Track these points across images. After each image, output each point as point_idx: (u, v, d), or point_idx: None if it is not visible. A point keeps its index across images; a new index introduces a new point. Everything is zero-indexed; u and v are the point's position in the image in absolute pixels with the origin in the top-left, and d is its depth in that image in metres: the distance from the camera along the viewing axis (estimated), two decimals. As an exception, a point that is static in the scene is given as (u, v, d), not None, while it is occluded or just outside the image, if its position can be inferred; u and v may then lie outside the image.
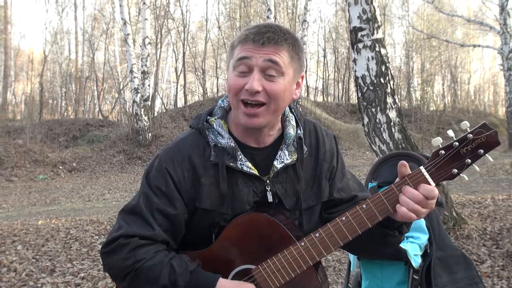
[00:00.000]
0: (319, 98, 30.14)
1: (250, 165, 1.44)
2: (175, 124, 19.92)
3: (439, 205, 3.06)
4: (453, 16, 20.92)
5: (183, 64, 24.78)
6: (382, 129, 4.90)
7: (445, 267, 2.77)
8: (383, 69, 4.93)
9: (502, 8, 15.42)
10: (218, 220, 1.44)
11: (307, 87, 28.86)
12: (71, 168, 16.52)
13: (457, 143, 1.34)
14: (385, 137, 4.88)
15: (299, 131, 1.52)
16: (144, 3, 17.31)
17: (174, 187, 1.42)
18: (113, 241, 1.38)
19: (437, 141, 1.35)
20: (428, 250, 2.81)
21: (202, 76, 25.34)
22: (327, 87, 31.23)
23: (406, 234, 1.55)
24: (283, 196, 1.48)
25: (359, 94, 5.08)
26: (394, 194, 1.36)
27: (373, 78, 4.93)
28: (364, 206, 1.37)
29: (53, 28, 32.99)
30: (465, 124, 1.33)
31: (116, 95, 27.87)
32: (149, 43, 18.53)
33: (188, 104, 24.19)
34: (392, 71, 5.14)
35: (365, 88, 4.98)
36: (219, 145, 1.44)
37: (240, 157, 1.44)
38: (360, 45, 5.00)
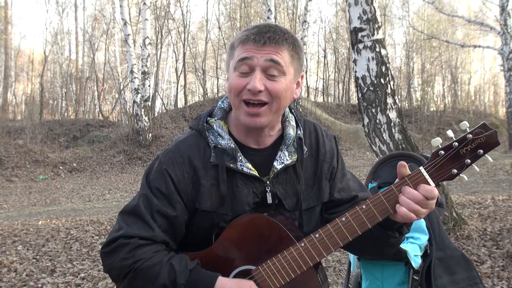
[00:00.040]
0: (320, 99, 30.15)
1: (250, 166, 1.45)
2: (175, 125, 19.92)
3: (439, 205, 3.06)
4: (453, 16, 20.92)
5: (184, 65, 24.80)
6: (382, 129, 4.90)
7: (445, 267, 2.77)
8: (383, 70, 4.94)
9: (503, 9, 15.41)
10: (218, 221, 1.44)
11: (308, 87, 28.87)
12: (71, 169, 16.52)
13: (456, 144, 1.34)
14: (385, 138, 4.89)
15: (299, 132, 1.52)
16: (144, 3, 17.33)
17: (174, 188, 1.42)
18: (113, 242, 1.38)
19: (437, 141, 1.35)
20: (428, 251, 2.81)
21: (202, 77, 25.37)
22: (328, 87, 31.23)
23: (406, 235, 1.55)
24: (283, 196, 1.48)
25: (359, 95, 5.08)
26: (394, 194, 1.36)
27: (373, 79, 4.93)
28: (364, 206, 1.37)
29: (54, 28, 33.16)
30: (465, 125, 1.33)
31: (117, 96, 27.89)
32: (150, 43, 18.55)
33: (188, 104, 24.19)
34: (392, 72, 5.15)
35: (365, 88, 4.99)
36: (219, 146, 1.44)
37: (240, 158, 1.44)
38: (361, 46, 5.00)
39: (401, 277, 2.69)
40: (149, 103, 18.89)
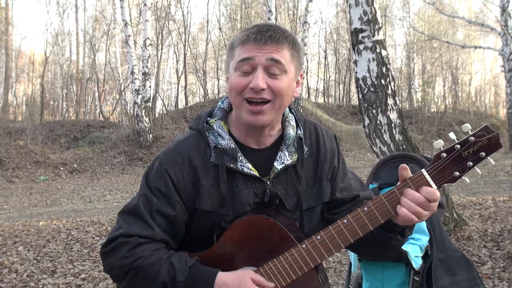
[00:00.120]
0: (320, 100, 30.17)
1: (250, 166, 1.45)
2: (176, 125, 19.93)
3: (439, 206, 3.05)
4: (454, 17, 20.93)
5: (184, 66, 24.82)
6: (383, 130, 4.90)
7: (445, 268, 2.77)
8: (384, 71, 4.94)
9: (503, 10, 15.41)
10: (219, 221, 1.44)
11: (308, 88, 28.86)
12: (72, 169, 16.52)
13: (458, 146, 1.34)
14: (386, 139, 4.88)
15: (299, 132, 1.52)
16: (145, 4, 17.34)
17: (174, 188, 1.42)
18: (112, 241, 1.39)
19: (439, 143, 1.35)
20: (429, 252, 2.81)
21: (203, 78, 25.37)
22: (328, 88, 31.23)
23: (407, 236, 1.54)
24: (283, 197, 1.48)
25: (360, 96, 5.08)
26: (396, 196, 1.36)
27: (374, 80, 4.93)
28: (366, 208, 1.37)
29: (54, 29, 33.23)
30: (467, 127, 1.33)
31: (117, 96, 27.90)
32: (150, 44, 18.56)
33: (189, 105, 24.21)
34: (393, 73, 5.15)
35: (366, 89, 4.99)
36: (219, 146, 1.44)
37: (240, 158, 1.44)
38: (361, 47, 5.00)
39: (401, 278, 2.69)
40: (150, 104, 18.90)
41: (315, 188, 1.54)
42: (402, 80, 28.41)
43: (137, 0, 24.80)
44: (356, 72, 5.11)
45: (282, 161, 1.47)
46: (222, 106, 1.54)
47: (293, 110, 1.58)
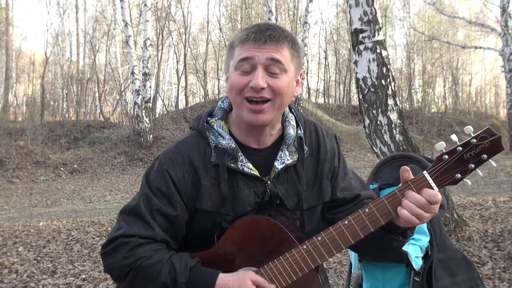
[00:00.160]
0: (320, 100, 30.18)
1: (251, 166, 1.44)
2: (176, 126, 19.94)
3: (440, 207, 3.05)
4: (454, 18, 20.92)
5: (184, 66, 24.84)
6: (383, 130, 4.90)
7: (446, 269, 2.77)
8: (384, 71, 4.94)
9: (503, 10, 15.41)
10: (220, 221, 1.44)
11: (308, 89, 28.87)
12: (72, 170, 16.52)
13: (460, 148, 1.33)
14: (386, 139, 4.88)
15: (299, 131, 1.52)
16: (145, 5, 17.34)
17: (174, 188, 1.42)
18: (113, 241, 1.38)
19: (441, 145, 1.34)
20: (429, 252, 2.81)
21: (203, 78, 25.38)
22: (328, 88, 31.23)
23: (407, 236, 1.54)
24: (284, 196, 1.48)
25: (360, 96, 5.08)
26: (397, 198, 1.35)
27: (374, 80, 4.93)
28: (367, 210, 1.37)
29: (55, 29, 33.19)
30: (469, 129, 1.33)
31: (117, 97, 27.92)
32: (150, 45, 18.56)
33: (189, 105, 24.23)
34: (393, 73, 5.14)
35: (366, 90, 4.98)
36: (219, 146, 1.44)
37: (241, 158, 1.44)
38: (361, 47, 5.00)
39: (402, 278, 2.69)
40: (150, 105, 18.90)
41: (316, 188, 1.54)
42: (403, 80, 28.41)
43: (138, 1, 24.81)
44: (357, 73, 5.11)
45: (283, 160, 1.47)
46: (222, 106, 1.54)
47: (293, 110, 1.58)
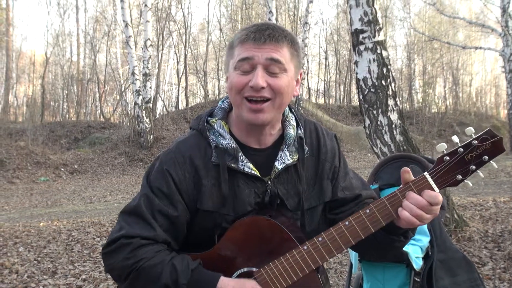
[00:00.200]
0: (321, 100, 30.19)
1: (251, 166, 1.44)
2: (176, 126, 19.94)
3: (440, 207, 3.05)
4: (454, 18, 20.91)
5: (185, 66, 24.86)
6: (383, 131, 4.90)
7: (446, 269, 2.77)
8: (385, 71, 4.94)
9: (504, 10, 15.39)
10: (220, 221, 1.43)
11: (309, 89, 28.88)
12: (72, 170, 16.53)
13: (461, 149, 1.33)
14: (386, 139, 4.88)
15: (299, 131, 1.52)
16: (145, 5, 17.35)
17: (175, 188, 1.42)
18: (114, 241, 1.38)
19: (442, 147, 1.34)
20: (430, 253, 2.81)
21: (203, 78, 25.40)
22: (329, 89, 31.24)
23: (407, 237, 1.54)
24: (284, 196, 1.47)
25: (361, 96, 5.08)
26: (398, 199, 1.35)
27: (375, 80, 4.93)
28: (368, 211, 1.37)
29: (55, 30, 33.21)
30: (470, 130, 1.33)
31: (118, 97, 27.93)
32: (151, 45, 18.56)
33: (189, 106, 24.25)
34: (393, 73, 5.15)
35: (367, 90, 4.98)
36: (220, 146, 1.44)
37: (241, 158, 1.44)
38: (362, 47, 5.00)
39: (402, 279, 2.69)
40: (150, 105, 18.91)
41: (316, 188, 1.54)
42: (403, 81, 28.42)
43: (138, 1, 24.84)
44: (357, 73, 5.11)
45: (283, 160, 1.47)
46: (223, 106, 1.54)
47: (293, 110, 1.58)
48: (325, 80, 30.93)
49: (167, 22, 25.05)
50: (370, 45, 4.96)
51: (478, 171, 1.34)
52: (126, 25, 17.07)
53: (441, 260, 2.78)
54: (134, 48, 17.53)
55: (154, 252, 1.37)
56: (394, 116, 4.90)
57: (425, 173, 1.35)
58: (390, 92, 4.93)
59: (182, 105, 27.99)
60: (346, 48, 28.78)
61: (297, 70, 1.45)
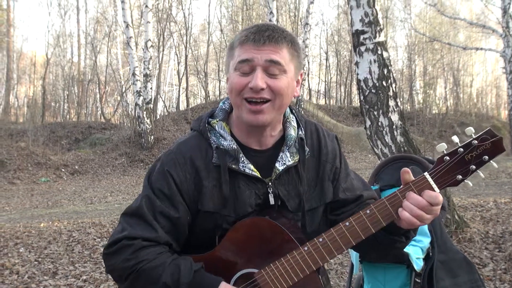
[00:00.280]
0: (322, 101, 30.18)
1: (252, 167, 1.44)
2: (177, 127, 19.95)
3: (441, 208, 3.05)
4: (455, 19, 20.89)
5: (185, 67, 24.87)
6: (384, 132, 4.89)
7: (447, 270, 2.77)
8: (385, 72, 4.93)
9: (505, 11, 15.38)
10: (221, 222, 1.43)
11: (310, 90, 28.87)
12: (73, 171, 16.54)
13: (461, 149, 1.33)
14: (387, 140, 4.88)
15: (300, 132, 1.52)
16: (146, 6, 17.37)
17: (176, 189, 1.42)
18: (116, 242, 1.38)
19: (442, 147, 1.34)
20: (430, 254, 2.80)
21: (204, 79, 25.41)
22: (329, 90, 31.23)
23: (408, 238, 1.54)
24: (285, 198, 1.47)
25: (361, 97, 5.08)
26: (398, 200, 1.35)
27: (375, 81, 4.93)
28: (368, 211, 1.37)
29: (56, 31, 33.22)
30: (470, 130, 1.33)
31: (119, 98, 27.94)
32: (152, 46, 18.57)
33: (190, 107, 24.25)
34: (394, 74, 5.14)
35: (367, 91, 4.98)
36: (221, 147, 1.44)
37: (242, 159, 1.44)
38: (362, 48, 5.00)
39: (403, 280, 2.69)
40: (151, 106, 18.92)
41: (317, 189, 1.53)
42: (404, 81, 28.42)
43: (139, 2, 24.84)
44: (358, 74, 5.11)
45: (284, 162, 1.46)
46: (224, 107, 1.54)
47: (294, 111, 1.58)
48: (325, 81, 30.94)
49: (168, 23, 25.08)
50: (371, 46, 4.96)
51: (478, 171, 1.34)
52: (127, 26, 17.08)
53: (441, 261, 2.77)
54: (135, 49, 17.53)
55: (156, 254, 1.37)
56: (395, 117, 4.90)
57: (425, 173, 1.35)
58: (391, 93, 4.93)
59: (182, 106, 28.00)
60: (346, 49, 28.79)
61: (297, 70, 1.45)
